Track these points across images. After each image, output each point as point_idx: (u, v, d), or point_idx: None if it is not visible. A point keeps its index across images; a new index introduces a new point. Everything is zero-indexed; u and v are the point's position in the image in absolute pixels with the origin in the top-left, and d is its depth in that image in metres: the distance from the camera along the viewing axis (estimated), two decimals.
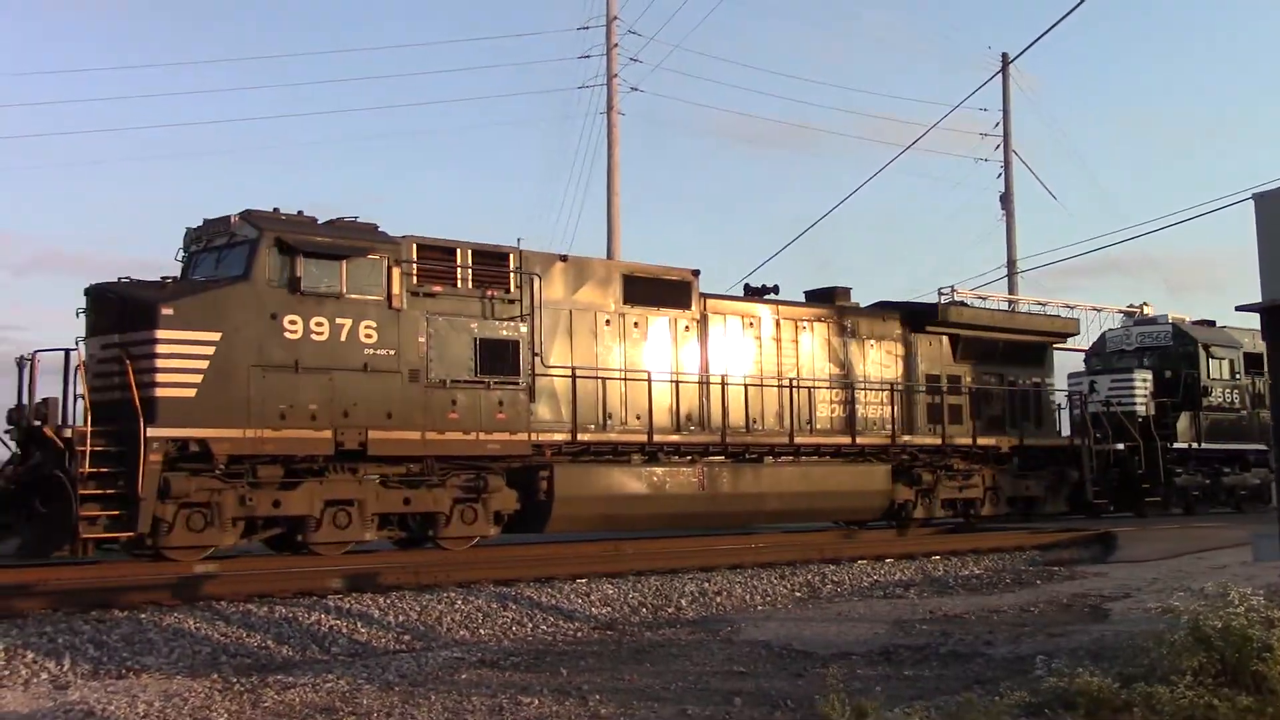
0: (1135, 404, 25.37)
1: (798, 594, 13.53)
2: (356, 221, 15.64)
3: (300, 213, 15.24)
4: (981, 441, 21.72)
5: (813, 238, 37.16)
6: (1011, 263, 37.18)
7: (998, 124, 38.92)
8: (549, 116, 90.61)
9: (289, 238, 14.51)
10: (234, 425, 13.94)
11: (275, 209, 15.06)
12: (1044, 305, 26.38)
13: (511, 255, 16.65)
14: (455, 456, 15.69)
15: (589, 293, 17.59)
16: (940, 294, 24.66)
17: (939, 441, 21.13)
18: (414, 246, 15.74)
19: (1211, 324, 27.59)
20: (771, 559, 15.25)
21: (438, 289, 15.78)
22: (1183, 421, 25.84)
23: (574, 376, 16.87)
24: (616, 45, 31.71)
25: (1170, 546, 16.97)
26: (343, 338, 14.77)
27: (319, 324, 14.62)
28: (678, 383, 18.24)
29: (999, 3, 79.55)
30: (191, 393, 13.69)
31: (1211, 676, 6.41)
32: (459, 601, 11.63)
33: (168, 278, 15.12)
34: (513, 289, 16.53)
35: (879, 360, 21.01)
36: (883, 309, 22.06)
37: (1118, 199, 70.73)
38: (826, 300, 21.22)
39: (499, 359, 16.03)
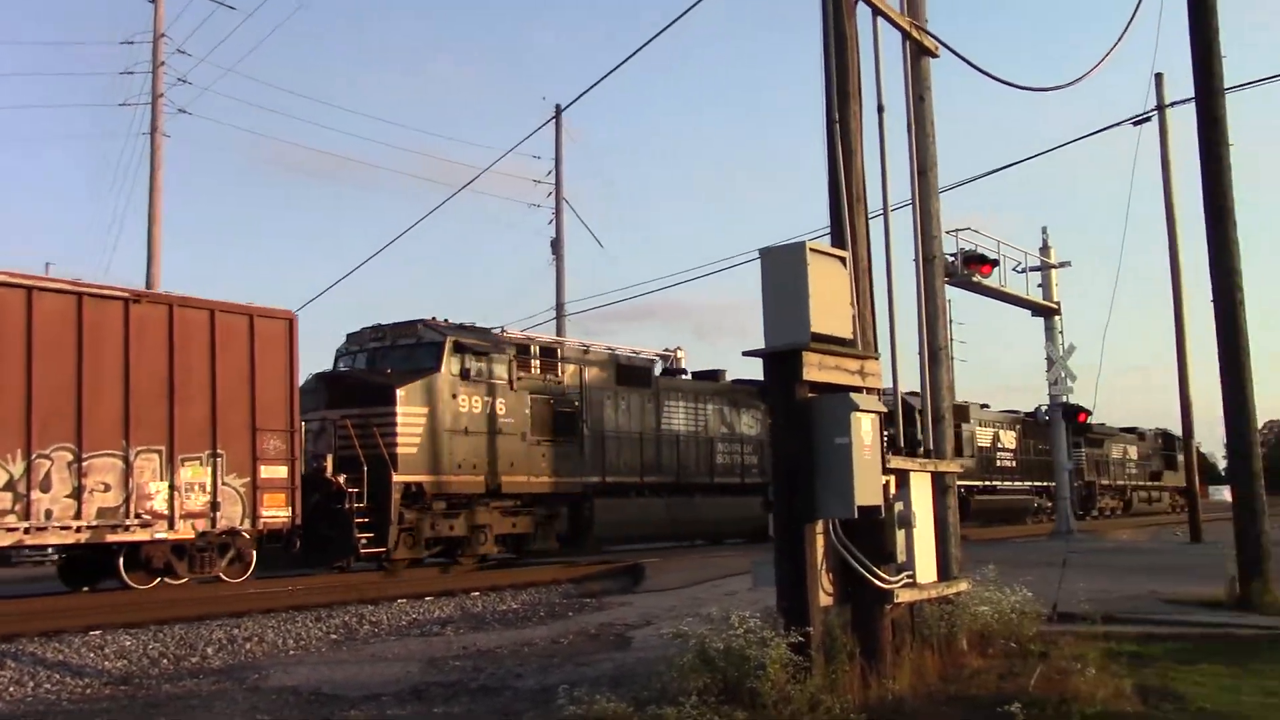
0: None
1: (333, 636, 12.91)
2: (477, 325, 21.96)
3: (447, 320, 21.38)
4: None
5: (375, 272, 41.32)
6: (560, 305, 38.46)
7: (550, 171, 39.95)
8: (93, 134, 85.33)
9: (461, 340, 20.69)
10: (435, 473, 19.98)
11: (433, 317, 21.12)
12: (588, 347, 25.74)
13: (559, 349, 23.44)
14: (541, 493, 22.28)
15: (598, 375, 24.61)
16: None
17: None
18: (514, 344, 22.20)
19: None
20: (307, 601, 14.82)
21: (524, 374, 22.31)
22: None
23: (604, 436, 23.88)
24: (163, 64, 30.33)
25: (691, 575, 17.77)
26: (488, 411, 21.08)
27: (476, 401, 20.86)
28: (643, 439, 25.60)
29: (559, 59, 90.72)
30: (415, 450, 19.60)
31: (714, 695, 6.78)
32: None
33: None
34: (559, 373, 23.30)
35: (748, 423, 29.33)
36: (747, 384, 30.49)
37: (661, 249, 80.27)
38: (714, 378, 29.36)
39: (565, 423, 22.81)
